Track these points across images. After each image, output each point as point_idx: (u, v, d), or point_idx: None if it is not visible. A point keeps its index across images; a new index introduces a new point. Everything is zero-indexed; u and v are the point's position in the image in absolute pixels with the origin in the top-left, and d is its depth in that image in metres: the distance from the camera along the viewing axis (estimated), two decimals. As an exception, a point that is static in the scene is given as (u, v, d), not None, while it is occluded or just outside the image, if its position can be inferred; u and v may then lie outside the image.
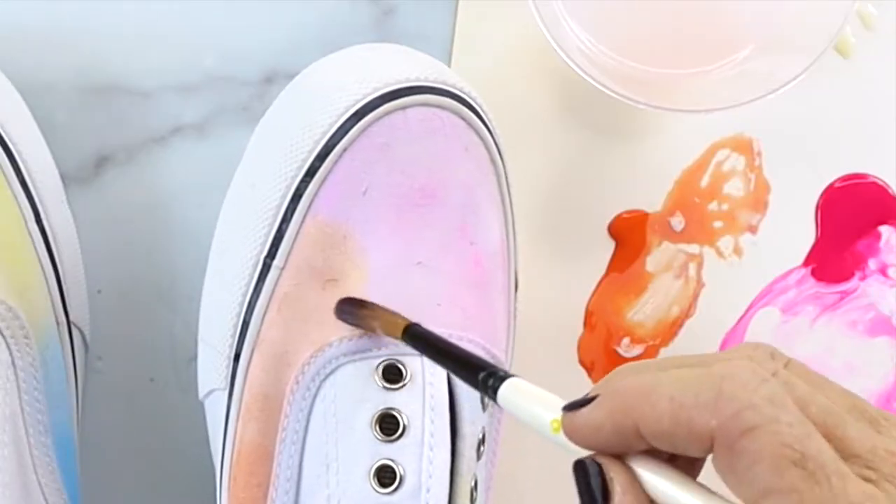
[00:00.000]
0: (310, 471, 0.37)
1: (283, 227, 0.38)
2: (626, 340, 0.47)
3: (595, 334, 0.46)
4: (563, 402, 0.28)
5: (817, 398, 0.26)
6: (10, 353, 0.38)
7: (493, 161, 0.40)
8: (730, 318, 0.47)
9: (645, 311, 0.47)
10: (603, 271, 0.46)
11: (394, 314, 0.35)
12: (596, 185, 0.46)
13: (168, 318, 0.45)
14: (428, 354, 0.33)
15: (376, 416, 0.36)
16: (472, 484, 0.36)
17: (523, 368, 0.44)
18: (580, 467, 0.27)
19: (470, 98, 0.38)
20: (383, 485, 0.35)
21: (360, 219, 0.38)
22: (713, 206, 0.47)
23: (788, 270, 0.47)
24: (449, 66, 0.45)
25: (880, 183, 0.47)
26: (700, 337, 0.47)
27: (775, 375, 0.26)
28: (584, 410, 0.27)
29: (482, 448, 0.37)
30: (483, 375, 0.30)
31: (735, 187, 0.47)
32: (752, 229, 0.47)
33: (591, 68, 0.41)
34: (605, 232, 0.46)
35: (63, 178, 0.43)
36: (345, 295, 0.38)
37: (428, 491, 0.35)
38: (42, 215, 0.41)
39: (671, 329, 0.47)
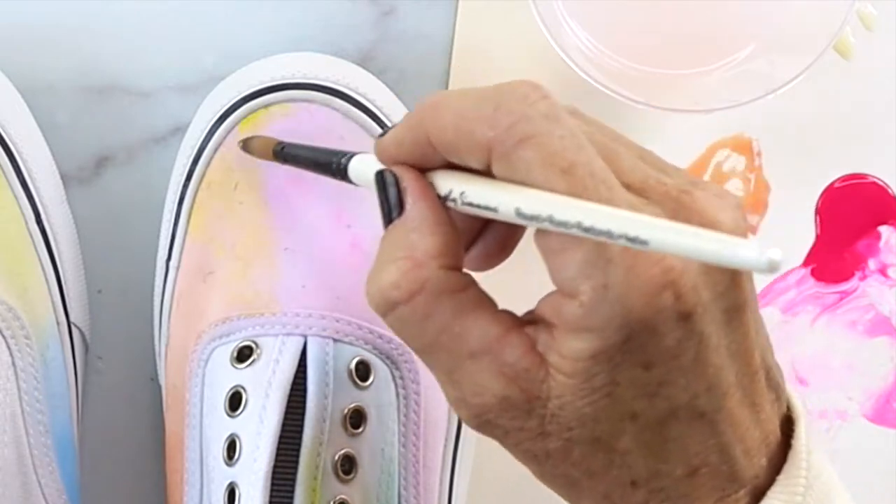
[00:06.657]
0: (207, 454, 0.38)
1: (175, 230, 0.41)
2: (626, 340, 0.47)
3: (595, 334, 0.46)
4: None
5: (598, 136, 0.28)
6: (10, 353, 0.38)
7: None
8: (730, 318, 0.47)
9: (645, 311, 0.47)
10: (603, 271, 0.46)
11: (269, 138, 0.37)
12: (596, 185, 0.46)
13: (168, 318, 0.45)
14: (300, 165, 0.35)
15: (228, 394, 0.38)
16: (334, 457, 0.37)
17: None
18: (380, 178, 0.29)
19: (350, 90, 0.40)
20: (230, 458, 0.37)
21: (234, 212, 0.40)
22: (713, 206, 0.47)
23: (788, 270, 0.47)
24: (449, 66, 0.45)
25: (880, 183, 0.47)
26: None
27: (571, 115, 0.28)
28: (391, 129, 0.30)
29: (350, 423, 0.38)
30: (335, 160, 0.32)
31: (735, 187, 0.47)
32: (752, 229, 0.47)
33: (591, 68, 0.41)
34: (605, 232, 0.46)
35: (63, 178, 0.43)
36: (222, 285, 0.40)
37: (255, 461, 0.36)
38: (42, 215, 0.41)
39: (671, 329, 0.47)
